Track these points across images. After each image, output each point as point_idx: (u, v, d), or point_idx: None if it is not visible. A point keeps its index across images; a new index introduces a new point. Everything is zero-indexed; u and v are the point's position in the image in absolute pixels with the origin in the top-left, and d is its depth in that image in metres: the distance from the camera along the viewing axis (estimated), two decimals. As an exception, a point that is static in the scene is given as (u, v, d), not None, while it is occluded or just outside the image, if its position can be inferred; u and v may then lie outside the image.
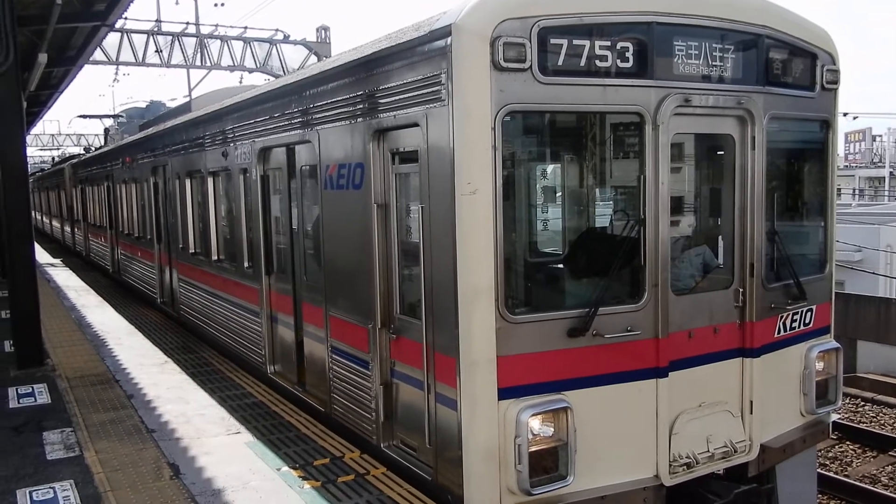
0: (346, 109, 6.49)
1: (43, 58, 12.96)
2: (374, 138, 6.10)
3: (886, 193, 60.22)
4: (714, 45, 5.71)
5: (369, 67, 6.08)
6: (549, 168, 6.68)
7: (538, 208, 6.66)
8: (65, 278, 20.36)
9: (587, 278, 5.91)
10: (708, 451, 5.90)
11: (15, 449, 6.85)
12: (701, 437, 5.89)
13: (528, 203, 6.29)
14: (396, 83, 5.70)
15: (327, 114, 6.84)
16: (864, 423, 13.68)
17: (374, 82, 6.01)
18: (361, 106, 6.21)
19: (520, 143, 5.54)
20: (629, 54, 5.31)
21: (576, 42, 5.12)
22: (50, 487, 5.96)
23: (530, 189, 6.35)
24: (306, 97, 7.26)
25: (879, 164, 70.02)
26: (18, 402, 8.30)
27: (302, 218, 8.03)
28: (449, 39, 4.99)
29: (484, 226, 5.00)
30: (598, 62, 5.21)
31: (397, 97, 5.69)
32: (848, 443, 12.48)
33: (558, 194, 6.80)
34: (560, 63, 5.10)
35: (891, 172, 64.62)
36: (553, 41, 5.06)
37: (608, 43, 5.23)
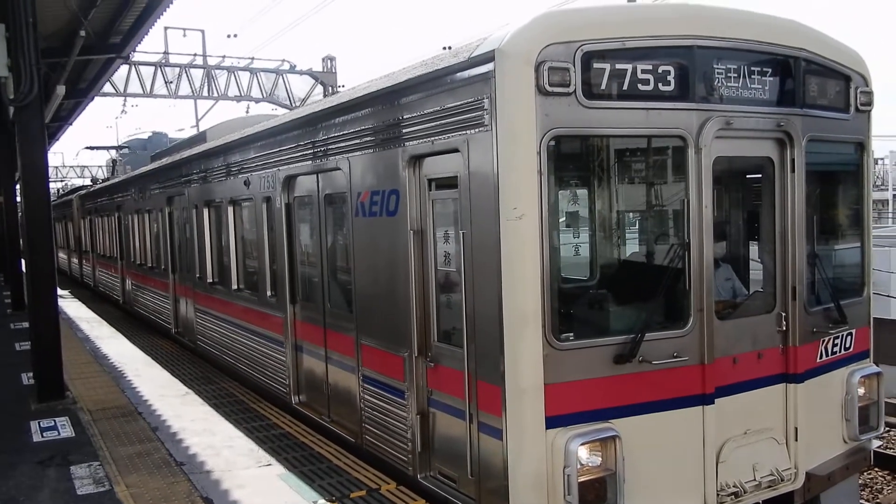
0: (379, 136, 6.46)
1: (61, 90, 13.03)
2: (409, 164, 6.06)
3: (890, 216, 60.15)
4: (753, 68, 5.68)
5: (404, 94, 6.06)
6: (594, 192, 6.62)
7: (583, 233, 6.59)
8: (75, 309, 20.30)
9: (633, 303, 5.82)
10: (755, 479, 5.76)
11: (43, 484, 6.71)
12: (747, 466, 5.76)
13: (574, 228, 6.24)
14: (433, 109, 5.67)
15: (359, 141, 6.80)
16: (891, 449, 13.46)
17: (409, 109, 5.99)
18: (396, 133, 6.17)
19: (564, 167, 5.49)
20: (671, 77, 5.28)
21: (619, 66, 5.10)
22: (83, 523, 5.84)
23: (575, 213, 6.30)
24: (336, 125, 7.23)
25: (882, 188, 70.01)
26: (42, 436, 8.17)
27: (330, 245, 7.97)
28: (493, 64, 4.96)
29: (531, 251, 4.93)
30: (640, 86, 5.17)
31: (435, 123, 5.65)
32: (877, 469, 12.26)
33: (602, 218, 6.73)
34: (603, 87, 5.07)
35: (894, 195, 64.60)
36: (596, 65, 5.04)
37: (650, 66, 5.19)
